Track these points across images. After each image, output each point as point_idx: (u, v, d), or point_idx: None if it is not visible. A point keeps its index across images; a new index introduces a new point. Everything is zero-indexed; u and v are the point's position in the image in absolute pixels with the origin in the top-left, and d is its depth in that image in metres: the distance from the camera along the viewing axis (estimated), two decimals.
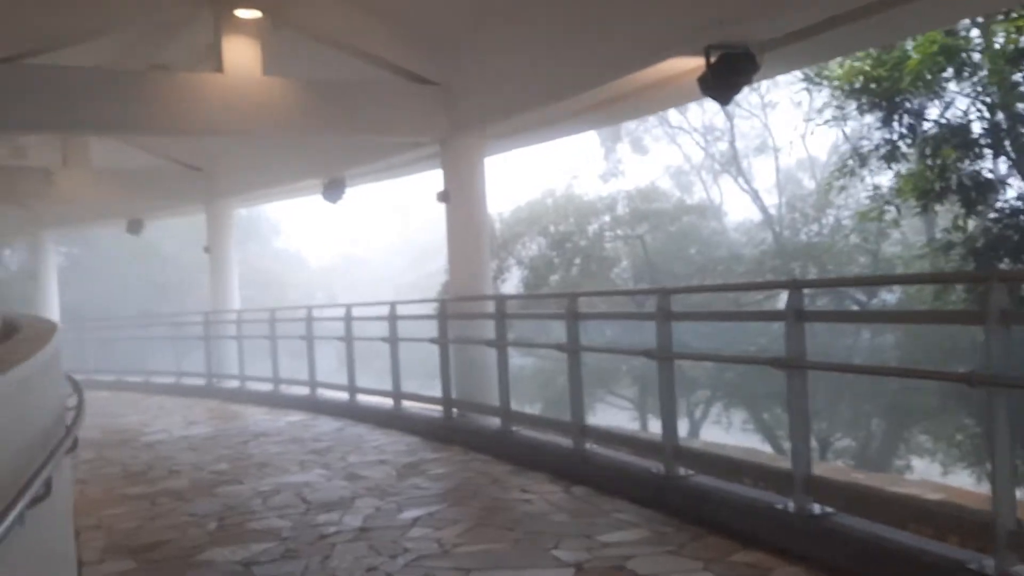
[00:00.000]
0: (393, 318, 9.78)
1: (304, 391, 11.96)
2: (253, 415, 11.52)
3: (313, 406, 11.44)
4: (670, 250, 20.65)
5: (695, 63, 6.58)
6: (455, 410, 8.82)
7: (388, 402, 10.05)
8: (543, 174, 39.31)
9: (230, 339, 14.05)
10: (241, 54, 8.49)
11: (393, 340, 9.79)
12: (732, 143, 23.80)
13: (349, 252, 40.71)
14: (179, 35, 9.47)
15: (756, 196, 23.30)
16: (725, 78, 6.40)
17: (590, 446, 6.67)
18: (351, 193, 12.65)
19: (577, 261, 19.21)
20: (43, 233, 19.92)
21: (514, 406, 8.05)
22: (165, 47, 9.75)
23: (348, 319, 10.84)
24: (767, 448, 17.40)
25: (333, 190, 12.15)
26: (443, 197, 9.51)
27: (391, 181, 14.67)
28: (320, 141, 11.05)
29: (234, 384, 13.72)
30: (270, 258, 31.98)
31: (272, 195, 15.74)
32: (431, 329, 9.05)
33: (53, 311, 20.02)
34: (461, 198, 9.51)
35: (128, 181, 14.58)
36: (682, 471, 5.63)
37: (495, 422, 8.04)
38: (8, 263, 26.47)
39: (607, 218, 20.47)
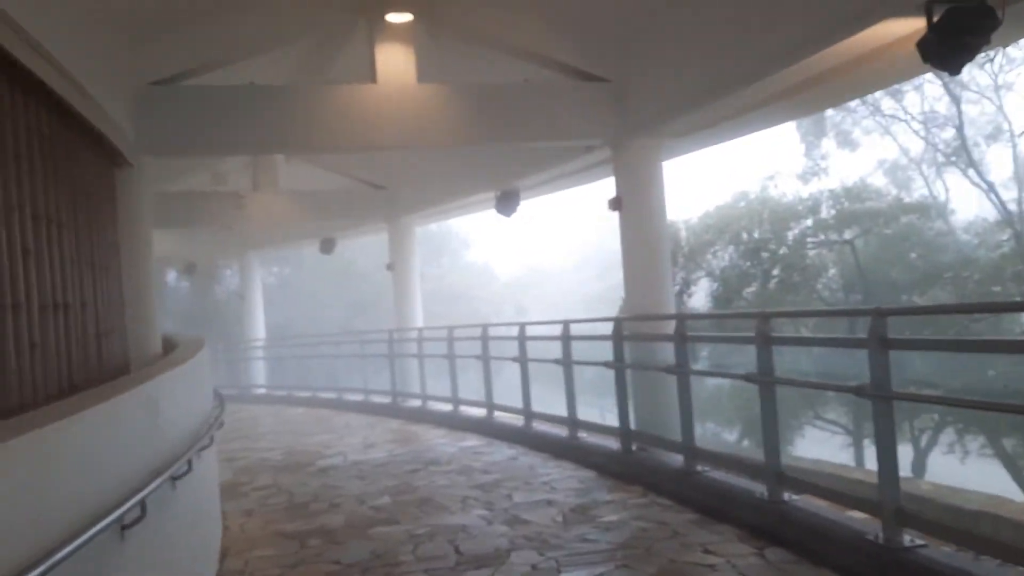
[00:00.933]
0: (566, 338, 9.01)
1: (482, 412, 11.47)
2: (430, 438, 11.15)
3: (490, 430, 10.90)
4: (886, 256, 17.99)
5: (913, 26, 5.28)
6: (634, 445, 7.89)
7: (564, 431, 9.29)
8: (734, 176, 36.12)
9: (411, 357, 13.91)
10: (394, 62, 8.07)
11: (567, 363, 9.01)
12: (960, 130, 20.93)
13: (535, 264, 40.19)
14: (341, 48, 9.23)
15: (991, 190, 20.38)
16: (954, 39, 4.99)
17: (789, 496, 5.54)
18: (527, 205, 12.10)
19: (776, 272, 17.12)
20: (249, 254, 21.03)
21: (709, 429, 7.10)
22: (331, 62, 9.57)
23: (522, 339, 10.19)
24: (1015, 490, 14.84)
25: (506, 202, 11.60)
26: (615, 205, 8.64)
27: (568, 191, 13.99)
28: (490, 152, 10.55)
29: (416, 403, 13.53)
30: (460, 272, 32.33)
31: (449, 211, 15.58)
32: (608, 350, 8.18)
33: (259, 328, 21.07)
34: (635, 205, 8.60)
35: (315, 202, 14.87)
36: (908, 539, 4.40)
37: (678, 459, 7.04)
38: (227, 283, 28.29)
39: (809, 222, 18.17)
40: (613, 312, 12.45)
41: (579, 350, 9.16)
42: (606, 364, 8.13)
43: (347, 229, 17.36)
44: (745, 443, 16.14)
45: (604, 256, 40.70)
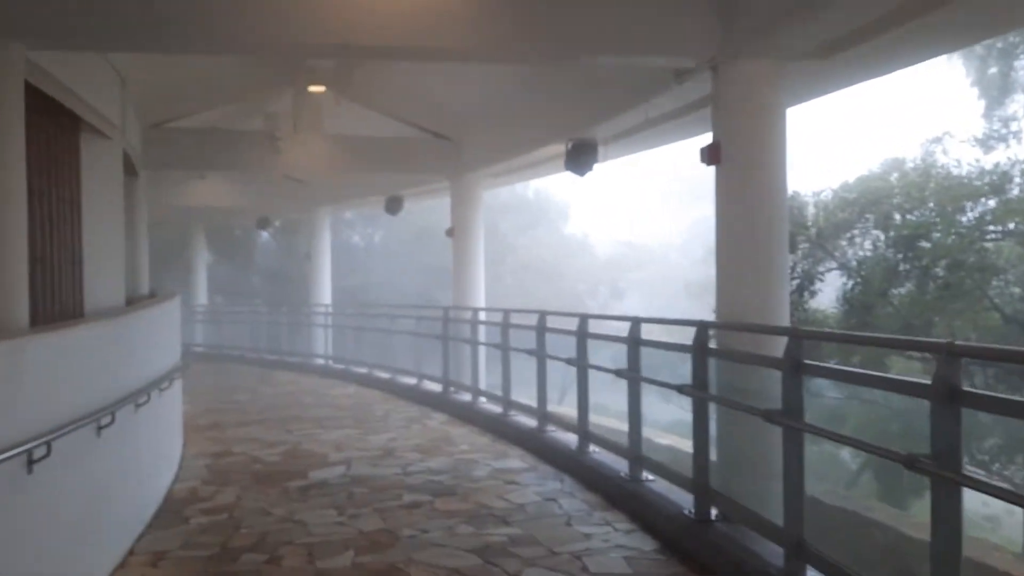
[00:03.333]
0: (635, 342, 6.50)
1: (533, 422, 9.11)
2: (466, 450, 8.90)
3: (538, 447, 8.56)
4: None
5: None
6: (714, 510, 5.35)
7: (623, 464, 6.83)
8: (884, 137, 29.54)
9: (464, 343, 11.69)
10: None
11: (633, 377, 6.52)
12: None
13: (637, 240, 36.46)
14: None
15: None
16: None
17: None
18: (612, 166, 9.54)
19: (939, 269, 11.94)
20: (319, 211, 19.25)
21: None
22: None
23: (582, 336, 7.73)
24: None
25: (579, 157, 9.10)
26: (710, 156, 6.02)
27: (665, 147, 11.26)
28: (559, 94, 8.07)
29: (466, 398, 11.29)
30: (555, 245, 29.62)
31: (519, 169, 12.91)
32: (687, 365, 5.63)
33: (324, 292, 19.32)
34: (741, 160, 5.97)
35: (365, 149, 12.76)
36: None
37: (776, 552, 4.49)
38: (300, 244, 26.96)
39: (991, 203, 12.78)
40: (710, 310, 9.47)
41: (652, 360, 6.66)
42: (678, 388, 5.61)
43: (410, 187, 15.19)
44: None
45: (711, 232, 37.06)
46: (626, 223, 41.31)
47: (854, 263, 12.75)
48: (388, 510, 6.44)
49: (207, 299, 24.59)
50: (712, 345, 5.61)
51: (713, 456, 5.60)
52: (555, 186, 32.18)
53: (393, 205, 15.81)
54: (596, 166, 9.28)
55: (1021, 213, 11.73)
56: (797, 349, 4.26)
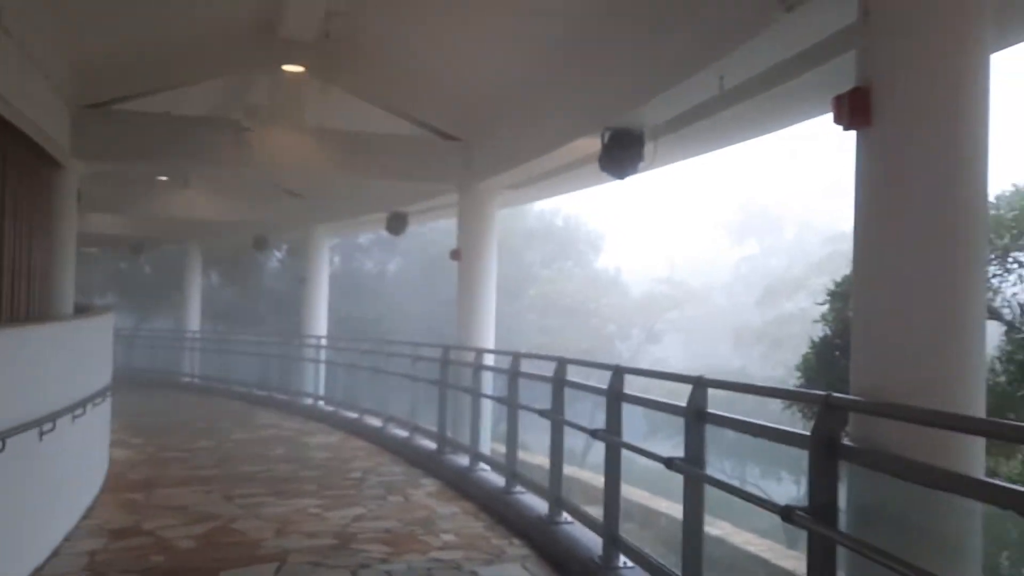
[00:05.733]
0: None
1: (543, 505, 6.70)
2: (451, 539, 6.54)
3: (549, 546, 6.16)
4: None
5: None
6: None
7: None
8: None
9: (463, 391, 9.36)
10: None
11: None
12: None
13: (678, 277, 33.25)
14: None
15: None
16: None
17: None
18: (658, 183, 7.25)
19: None
20: (316, 229, 17.11)
21: None
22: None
23: (615, 396, 5.36)
24: None
25: (620, 153, 6.78)
26: (848, 117, 3.66)
27: (727, 149, 8.88)
28: (600, 70, 5.82)
29: (464, 461, 8.90)
30: (585, 279, 27.04)
31: (539, 175, 10.34)
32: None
33: (320, 322, 17.13)
34: (903, 124, 3.60)
35: (355, 145, 10.53)
36: None
37: None
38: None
39: None
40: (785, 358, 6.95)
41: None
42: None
43: (414, 201, 12.92)
44: None
45: (765, 271, 34.00)
46: (665, 258, 38.56)
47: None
48: None
49: (199, 325, 22.51)
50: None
51: None
52: (587, 213, 29.76)
53: (396, 223, 13.59)
54: (642, 167, 6.97)
55: None
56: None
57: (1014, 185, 6.41)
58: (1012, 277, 6.30)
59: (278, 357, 17.30)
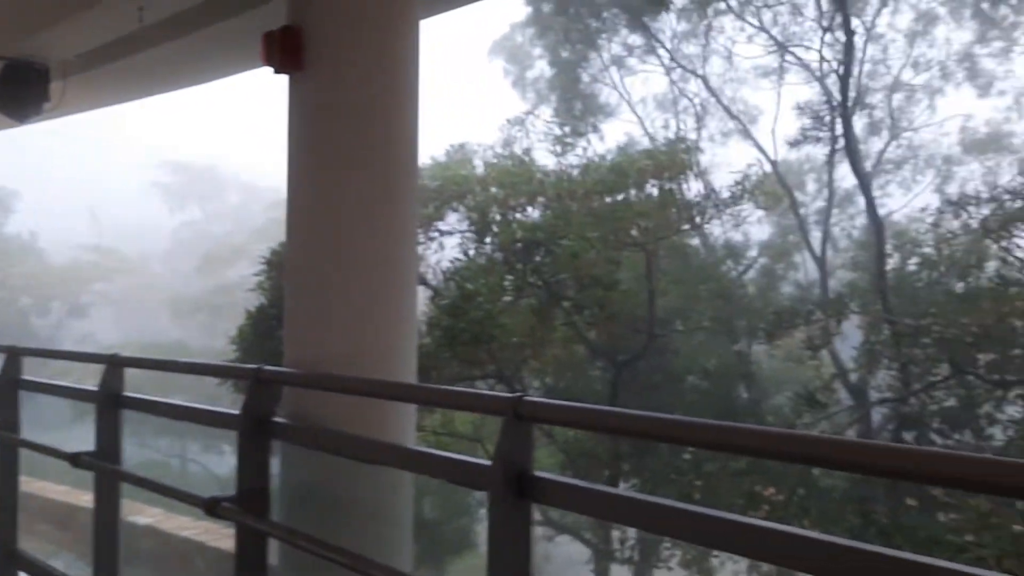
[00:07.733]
0: (109, 400, 3.76)
1: None
2: None
3: None
4: None
5: None
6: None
7: None
8: None
9: None
10: None
11: (107, 472, 3.66)
12: None
13: (101, 244, 29.95)
14: None
15: None
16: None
17: None
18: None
19: None
20: None
21: None
22: None
23: (11, 382, 4.37)
24: None
25: (17, 90, 5.61)
26: (278, 58, 3.40)
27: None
28: None
29: None
30: None
31: None
32: None
33: None
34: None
35: None
36: None
37: None
38: None
39: None
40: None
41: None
42: None
43: None
44: None
45: (206, 235, 32.66)
46: (92, 222, 34.35)
47: None
48: None
49: None
50: None
51: None
52: None
53: None
54: (49, 109, 5.81)
55: None
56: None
57: (432, 158, 7.11)
58: (434, 245, 7.02)
59: None
